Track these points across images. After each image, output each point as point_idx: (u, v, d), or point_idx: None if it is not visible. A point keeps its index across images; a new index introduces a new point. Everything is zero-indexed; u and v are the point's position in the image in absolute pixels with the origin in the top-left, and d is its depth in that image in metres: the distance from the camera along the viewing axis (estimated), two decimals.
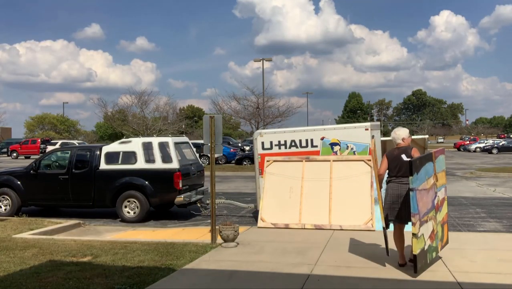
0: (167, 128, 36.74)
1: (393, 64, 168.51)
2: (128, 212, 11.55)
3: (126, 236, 9.73)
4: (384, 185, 6.65)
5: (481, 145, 54.02)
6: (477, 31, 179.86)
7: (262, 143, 10.99)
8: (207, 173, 10.84)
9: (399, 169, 6.36)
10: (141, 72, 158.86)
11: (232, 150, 35.90)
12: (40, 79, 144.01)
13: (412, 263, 6.03)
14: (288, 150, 10.78)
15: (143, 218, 11.46)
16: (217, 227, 8.19)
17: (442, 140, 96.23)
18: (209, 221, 9.08)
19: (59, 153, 13.29)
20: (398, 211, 6.32)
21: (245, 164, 30.75)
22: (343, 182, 9.72)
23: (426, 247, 6.11)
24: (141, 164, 11.62)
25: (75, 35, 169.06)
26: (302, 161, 10.23)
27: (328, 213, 9.43)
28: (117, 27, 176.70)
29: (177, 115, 47.46)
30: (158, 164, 11.55)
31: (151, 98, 37.88)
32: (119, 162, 11.82)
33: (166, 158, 11.61)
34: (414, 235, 5.85)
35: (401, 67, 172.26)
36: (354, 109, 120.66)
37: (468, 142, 62.81)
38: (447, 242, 7.07)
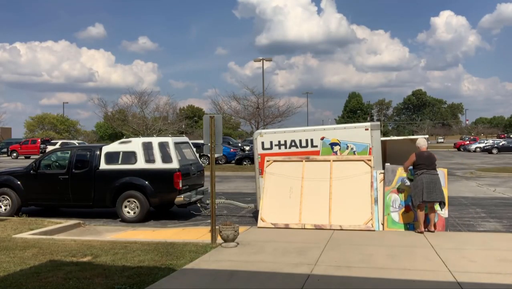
0: (167, 128, 36.71)
1: (394, 64, 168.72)
2: (128, 212, 11.55)
3: (126, 236, 9.73)
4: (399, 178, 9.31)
5: (481, 145, 53.98)
6: (479, 31, 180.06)
7: (262, 143, 10.98)
8: (207, 173, 10.83)
9: (430, 164, 8.88)
10: (143, 72, 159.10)
11: (232, 150, 35.87)
12: (42, 79, 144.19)
13: (429, 230, 8.80)
14: (288, 150, 10.77)
15: (143, 218, 11.46)
16: (217, 227, 8.18)
17: (442, 140, 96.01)
18: (209, 221, 9.08)
19: (59, 153, 13.28)
20: (433, 194, 8.66)
21: (245, 164, 30.74)
22: (343, 182, 9.72)
23: None
24: (141, 164, 11.62)
25: (77, 35, 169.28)
26: (302, 161, 10.23)
27: (328, 213, 9.43)
28: (119, 27, 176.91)
29: (177, 115, 47.43)
30: (158, 164, 11.55)
31: (151, 98, 37.90)
32: (119, 162, 11.82)
33: (166, 158, 11.60)
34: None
35: (402, 67, 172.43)
36: (354, 109, 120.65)
37: (468, 142, 62.72)
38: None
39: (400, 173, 9.45)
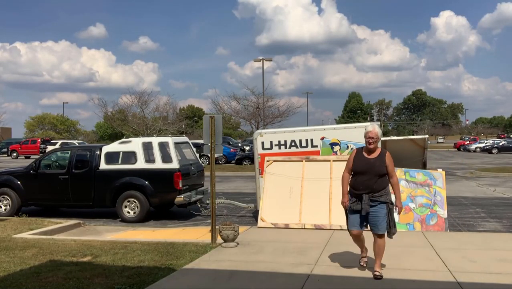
0: (167, 128, 36.70)
1: (395, 64, 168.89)
2: (128, 212, 11.55)
3: (126, 236, 9.73)
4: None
5: (481, 145, 53.99)
6: (479, 31, 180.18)
7: (262, 143, 10.98)
8: (207, 173, 10.83)
9: None
10: (143, 72, 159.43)
11: (232, 150, 35.87)
12: (42, 79, 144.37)
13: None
14: (288, 150, 10.78)
15: (143, 218, 11.46)
16: (217, 227, 8.18)
17: (442, 140, 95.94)
18: (209, 221, 9.08)
19: (59, 153, 13.27)
20: None
21: (245, 164, 30.73)
22: None
23: None
24: (141, 163, 11.61)
25: (78, 35, 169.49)
26: (302, 161, 10.23)
27: (328, 213, 9.42)
28: (120, 27, 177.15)
29: (177, 115, 47.38)
30: (158, 164, 11.55)
31: (151, 98, 37.91)
32: (119, 162, 11.81)
33: (166, 158, 11.60)
34: None
35: (403, 67, 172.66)
36: (354, 109, 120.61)
37: (468, 142, 62.73)
38: None
39: (399, 174, 9.44)
